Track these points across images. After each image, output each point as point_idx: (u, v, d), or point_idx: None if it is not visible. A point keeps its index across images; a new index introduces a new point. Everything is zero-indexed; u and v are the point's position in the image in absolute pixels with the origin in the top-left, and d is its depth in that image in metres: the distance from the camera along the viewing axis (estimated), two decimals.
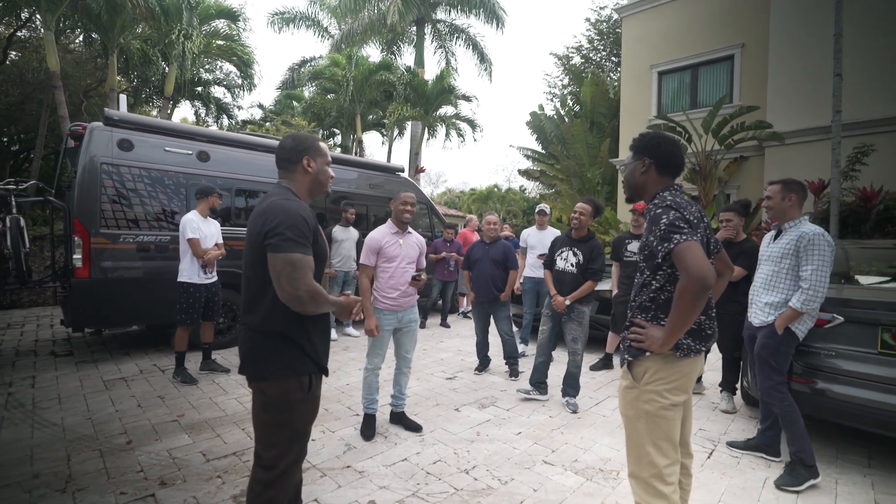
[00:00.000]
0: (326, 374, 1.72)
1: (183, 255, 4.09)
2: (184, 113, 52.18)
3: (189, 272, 4.07)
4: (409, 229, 3.18)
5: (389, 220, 3.16)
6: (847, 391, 2.59)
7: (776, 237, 2.73)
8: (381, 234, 3.08)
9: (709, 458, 2.83)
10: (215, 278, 4.28)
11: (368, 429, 3.07)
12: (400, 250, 3.05)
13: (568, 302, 3.62)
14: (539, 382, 3.86)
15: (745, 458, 2.83)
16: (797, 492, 2.42)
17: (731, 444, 2.97)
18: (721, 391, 3.71)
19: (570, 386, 3.71)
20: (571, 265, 3.69)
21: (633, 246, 4.28)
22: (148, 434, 3.03)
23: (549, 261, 3.93)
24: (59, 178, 5.95)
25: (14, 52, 12.14)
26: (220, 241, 4.30)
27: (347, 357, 5.12)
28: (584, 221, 3.68)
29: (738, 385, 3.66)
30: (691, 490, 1.85)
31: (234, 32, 13.15)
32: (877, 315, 2.60)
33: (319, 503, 2.28)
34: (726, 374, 3.70)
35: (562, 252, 3.80)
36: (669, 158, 1.70)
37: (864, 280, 3.31)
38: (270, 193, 1.66)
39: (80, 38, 13.37)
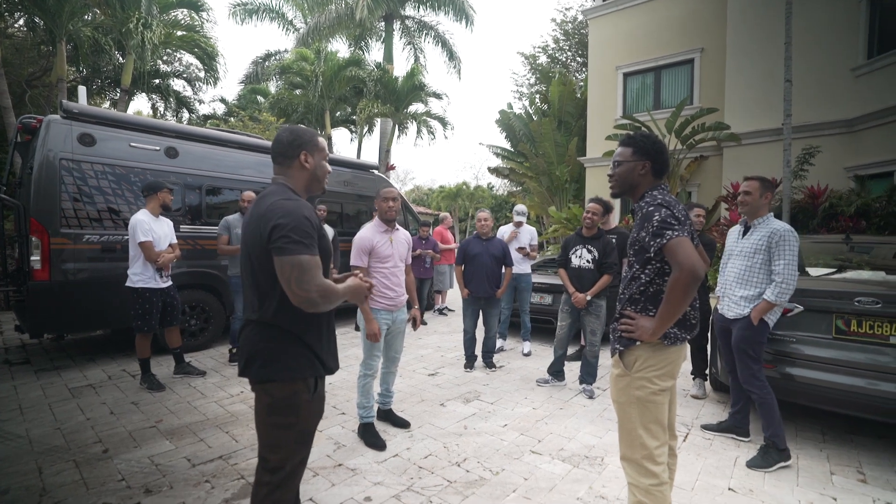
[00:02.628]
0: (335, 370, 1.69)
1: (134, 260, 3.78)
2: (139, 106, 49.40)
3: (143, 277, 3.79)
4: (397, 226, 3.12)
5: (376, 218, 3.09)
6: (810, 374, 2.81)
7: (745, 233, 2.87)
8: (371, 233, 2.98)
9: (684, 441, 3.01)
10: (170, 282, 4.03)
11: (376, 437, 2.92)
12: (392, 249, 3.00)
13: (588, 297, 3.79)
14: (557, 371, 4.13)
15: (717, 439, 3.03)
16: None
17: (705, 427, 3.17)
18: (694, 378, 3.94)
19: (588, 374, 3.91)
20: (588, 262, 3.86)
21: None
22: (125, 441, 2.91)
23: (564, 260, 4.03)
24: (9, 173, 5.53)
25: None
26: (174, 241, 4.04)
27: None
28: (596, 221, 3.87)
29: (708, 371, 3.89)
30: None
31: (197, 23, 12.57)
32: (829, 304, 2.84)
33: (315, 502, 2.28)
34: (696, 362, 3.92)
35: (576, 250, 3.94)
36: (664, 163, 1.79)
37: (814, 272, 3.58)
38: (269, 193, 1.60)
39: (21, 22, 12.45)
